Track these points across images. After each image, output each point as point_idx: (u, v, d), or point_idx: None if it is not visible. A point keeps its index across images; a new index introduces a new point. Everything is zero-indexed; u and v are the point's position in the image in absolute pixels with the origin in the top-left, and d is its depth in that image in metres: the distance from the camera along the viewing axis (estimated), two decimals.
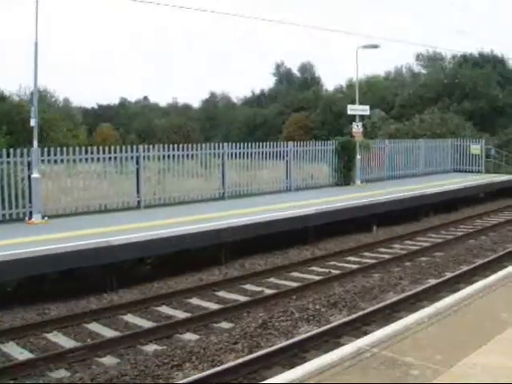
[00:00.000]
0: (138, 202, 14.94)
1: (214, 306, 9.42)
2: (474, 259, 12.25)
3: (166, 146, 15.88)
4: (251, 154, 17.79)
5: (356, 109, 21.55)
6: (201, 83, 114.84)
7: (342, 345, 6.28)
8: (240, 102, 76.94)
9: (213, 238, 12.04)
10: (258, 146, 18.06)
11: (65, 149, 13.77)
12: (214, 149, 16.93)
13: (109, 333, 8.26)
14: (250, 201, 16.34)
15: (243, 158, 17.55)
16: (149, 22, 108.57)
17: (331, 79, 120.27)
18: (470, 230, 15.87)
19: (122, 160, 14.89)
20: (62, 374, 6.81)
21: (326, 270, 11.75)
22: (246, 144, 17.73)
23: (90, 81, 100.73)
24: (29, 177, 12.74)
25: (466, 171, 26.09)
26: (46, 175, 13.50)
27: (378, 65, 71.85)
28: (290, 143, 19.38)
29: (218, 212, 13.83)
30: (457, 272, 10.88)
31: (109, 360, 7.23)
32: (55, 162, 13.57)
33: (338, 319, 8.41)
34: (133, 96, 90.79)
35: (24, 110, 37.01)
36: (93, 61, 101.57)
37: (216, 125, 68.48)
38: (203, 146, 16.92)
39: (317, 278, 11.09)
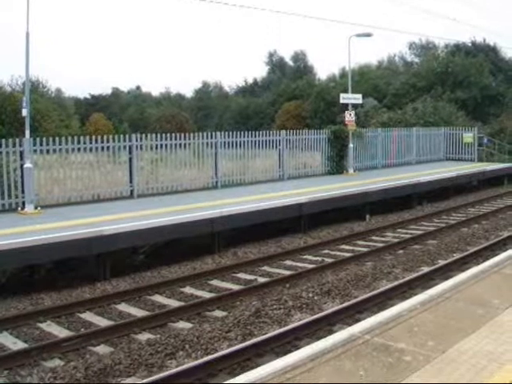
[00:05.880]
0: (131, 191, 14.92)
1: (207, 295, 9.43)
2: (466, 247, 12.33)
3: (158, 135, 15.84)
4: (244, 143, 17.77)
5: (348, 97, 21.56)
6: (193, 72, 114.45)
7: (335, 332, 6.30)
8: (233, 92, 76.68)
9: (206, 226, 12.03)
10: (251, 135, 18.04)
11: (57, 139, 13.71)
12: (207, 138, 16.88)
13: (102, 322, 8.26)
14: (243, 190, 16.34)
15: (236, 147, 17.53)
16: (140, 10, 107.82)
17: (324, 68, 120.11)
18: (463, 218, 15.95)
19: (114, 150, 14.86)
20: (55, 363, 6.82)
21: (319, 259, 11.79)
22: (238, 133, 17.69)
23: (82, 71, 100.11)
24: (21, 167, 12.68)
25: (458, 159, 26.20)
26: (39, 165, 13.45)
27: (371, 54, 71.82)
28: (283, 132, 19.36)
29: (211, 201, 13.81)
30: (449, 259, 10.95)
31: (102, 349, 7.25)
32: (47, 152, 13.50)
33: (331, 307, 8.46)
34: (125, 85, 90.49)
35: (16, 101, 36.82)
36: (85, 50, 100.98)
37: (209, 114, 68.24)
38: (196, 135, 16.87)
39: (310, 266, 11.13)
